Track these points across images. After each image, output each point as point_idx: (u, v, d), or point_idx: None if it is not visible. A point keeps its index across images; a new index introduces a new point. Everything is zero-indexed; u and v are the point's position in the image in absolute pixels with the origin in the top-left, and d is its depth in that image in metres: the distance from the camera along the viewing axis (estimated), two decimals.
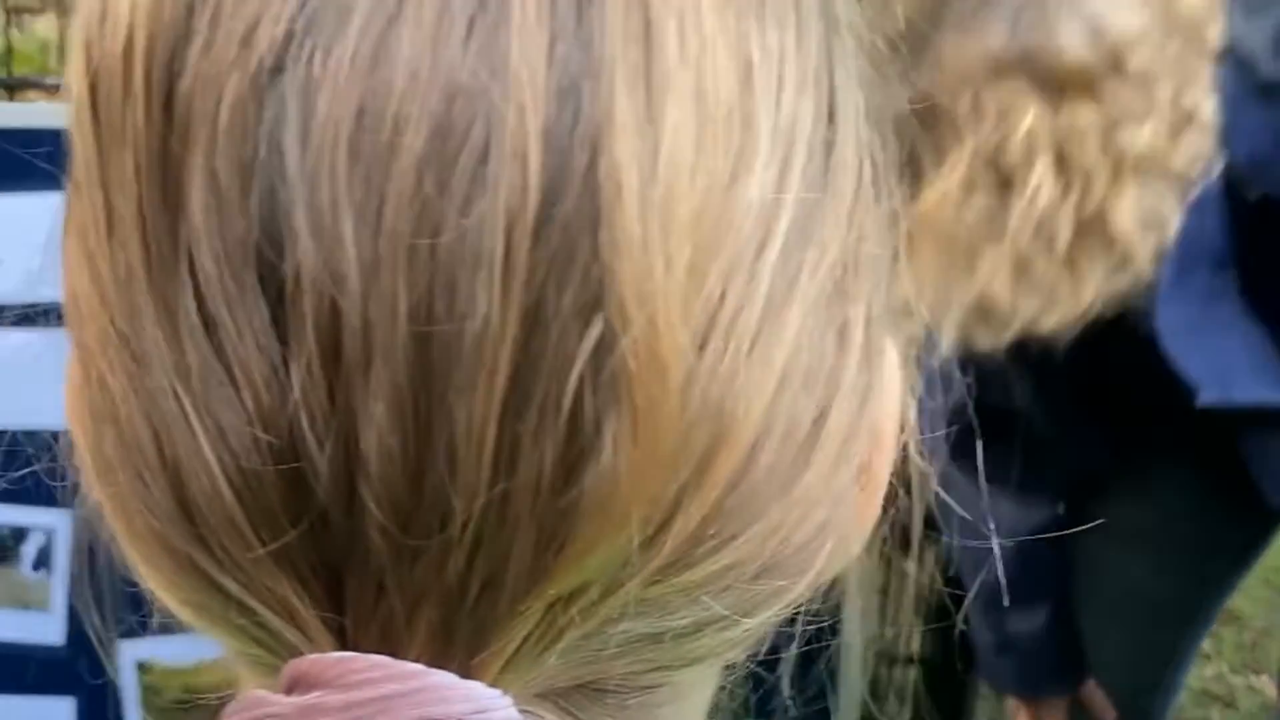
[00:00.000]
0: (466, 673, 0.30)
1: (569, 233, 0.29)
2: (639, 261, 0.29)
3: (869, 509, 0.38)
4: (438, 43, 0.29)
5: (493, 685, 0.31)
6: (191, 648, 1.32)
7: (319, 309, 0.29)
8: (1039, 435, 1.38)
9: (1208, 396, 1.25)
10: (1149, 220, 1.10)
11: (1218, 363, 1.26)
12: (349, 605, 0.31)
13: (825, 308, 0.33)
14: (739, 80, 0.31)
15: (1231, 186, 1.20)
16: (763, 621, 0.35)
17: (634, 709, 0.35)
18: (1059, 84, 1.07)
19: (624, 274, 0.29)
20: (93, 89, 0.32)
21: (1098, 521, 1.24)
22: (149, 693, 1.34)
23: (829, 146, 0.33)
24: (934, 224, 1.08)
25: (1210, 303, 1.24)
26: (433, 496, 0.29)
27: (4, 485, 1.25)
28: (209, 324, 0.30)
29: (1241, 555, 1.63)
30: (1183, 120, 1.10)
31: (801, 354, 0.32)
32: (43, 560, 1.31)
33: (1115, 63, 1.07)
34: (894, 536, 0.41)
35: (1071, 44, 1.07)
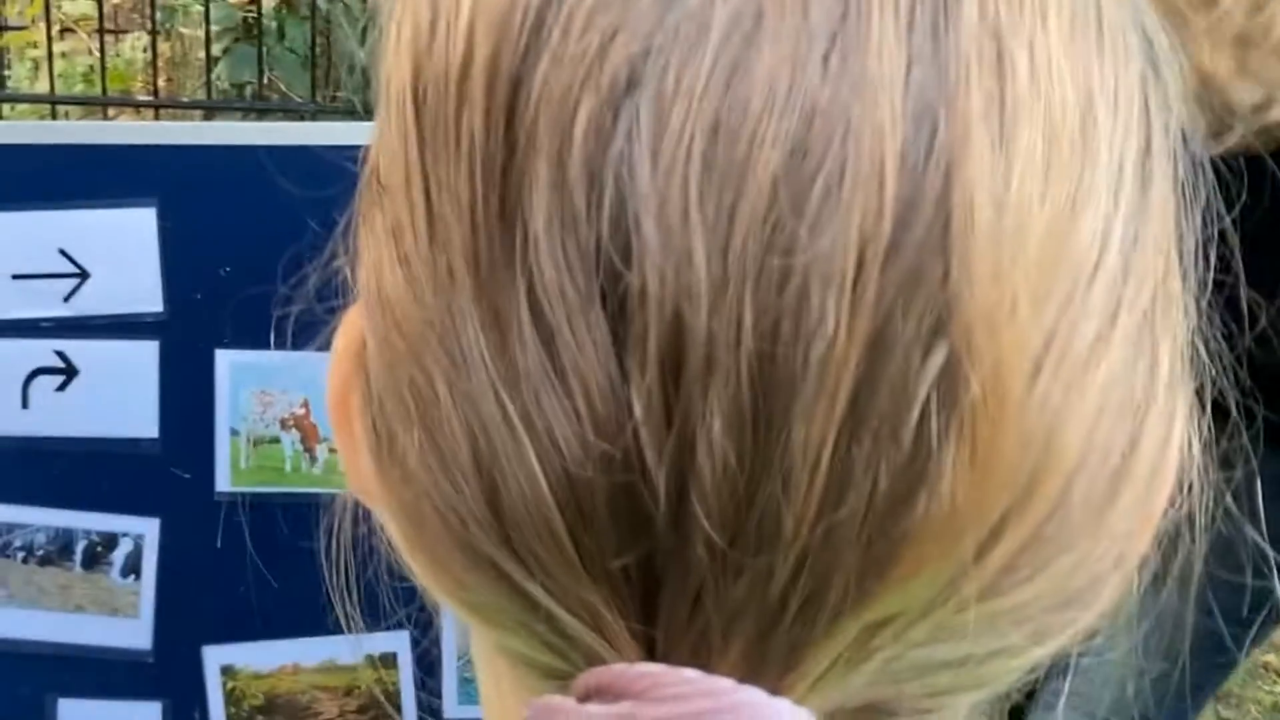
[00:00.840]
0: (776, 691, 0.30)
1: (919, 257, 0.29)
2: (989, 290, 0.29)
3: (1142, 543, 0.38)
4: (796, 62, 0.29)
5: (798, 704, 0.30)
6: (274, 654, 1.33)
7: (663, 321, 0.29)
8: None
9: None
10: None
11: None
12: (661, 617, 0.31)
13: (1139, 339, 0.33)
14: (1082, 111, 0.31)
15: None
16: (1049, 652, 0.35)
17: None
18: None
19: (972, 301, 0.29)
20: (418, 95, 0.33)
21: None
22: (232, 698, 1.36)
23: (1149, 177, 0.34)
24: None
25: None
26: (763, 513, 0.29)
27: (95, 492, 1.28)
28: (544, 330, 0.30)
29: None
30: None
31: (1118, 384, 0.32)
32: (132, 567, 1.33)
33: None
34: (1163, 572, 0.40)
35: None
